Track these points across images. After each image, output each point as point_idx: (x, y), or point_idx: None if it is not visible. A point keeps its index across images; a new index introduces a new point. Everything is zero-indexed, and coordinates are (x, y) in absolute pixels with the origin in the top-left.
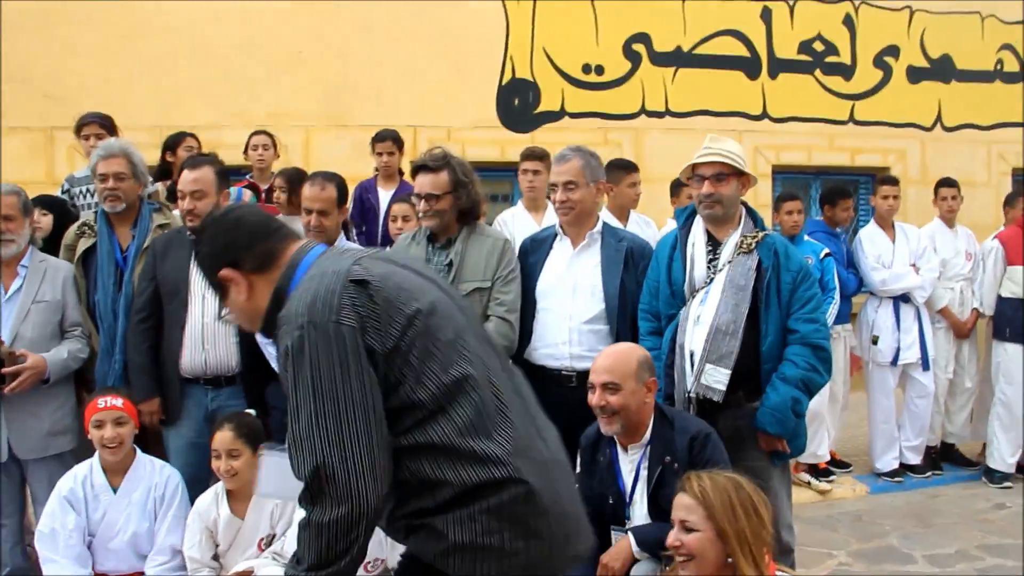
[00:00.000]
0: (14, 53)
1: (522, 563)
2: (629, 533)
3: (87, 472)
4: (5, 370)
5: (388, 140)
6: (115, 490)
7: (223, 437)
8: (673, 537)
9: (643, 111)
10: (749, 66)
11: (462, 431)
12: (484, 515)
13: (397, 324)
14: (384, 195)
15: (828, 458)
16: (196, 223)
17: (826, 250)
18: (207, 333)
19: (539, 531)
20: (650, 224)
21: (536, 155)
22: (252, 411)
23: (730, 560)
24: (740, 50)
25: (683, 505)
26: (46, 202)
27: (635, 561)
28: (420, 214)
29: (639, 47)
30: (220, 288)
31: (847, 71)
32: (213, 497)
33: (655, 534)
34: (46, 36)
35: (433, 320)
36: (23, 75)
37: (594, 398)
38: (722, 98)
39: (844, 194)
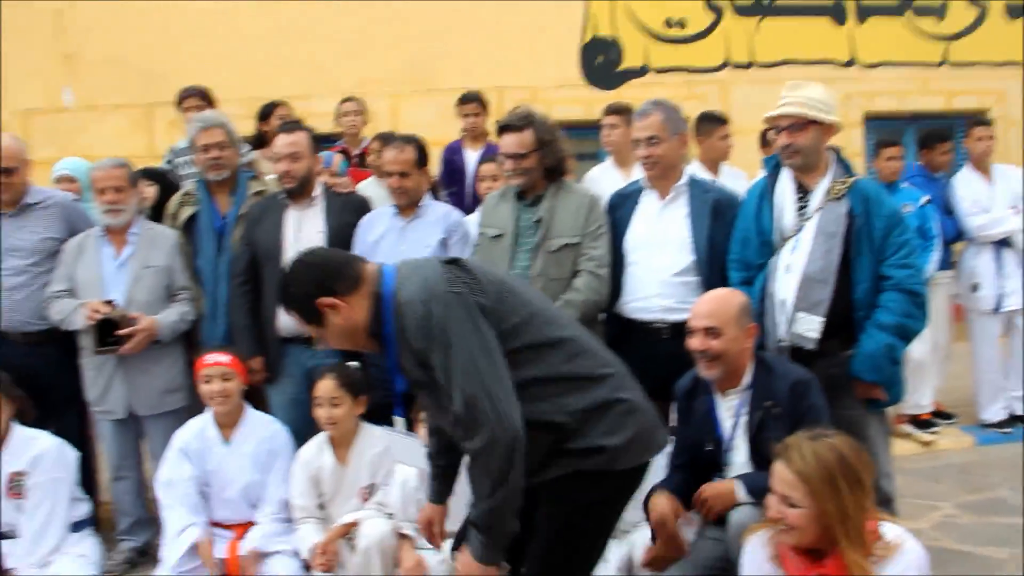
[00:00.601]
0: (114, 35)
1: (654, 445)
2: (738, 480)
3: (201, 426)
4: (120, 331)
5: (473, 102)
6: (227, 443)
7: (325, 386)
8: (775, 510)
9: (728, 63)
10: (835, 12)
11: (572, 358)
12: (622, 416)
13: (493, 286)
14: (471, 156)
15: (931, 409)
16: (292, 184)
17: (926, 197)
18: None
19: (648, 420)
20: (741, 176)
21: (615, 110)
22: (355, 362)
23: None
24: None
25: (784, 480)
26: (151, 174)
27: (736, 505)
28: (507, 173)
29: None
30: (316, 318)
31: (939, 11)
32: (317, 446)
33: (761, 483)
34: (142, 18)
35: (515, 280)
36: (123, 56)
37: (695, 342)
38: (808, 46)
39: (942, 137)
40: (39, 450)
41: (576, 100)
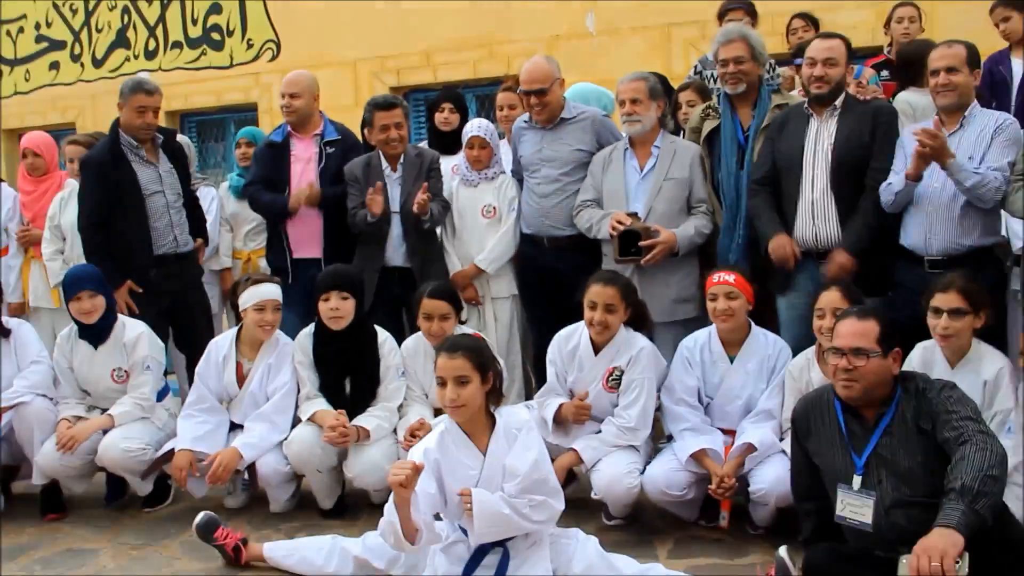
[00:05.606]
0: None
1: None
2: None
3: (706, 339)
4: (642, 243)
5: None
6: (731, 361)
7: (829, 298)
8: None
9: None
10: None
11: None
12: None
13: None
14: (1017, 66)
15: None
16: (823, 90)
17: None
18: (817, 209)
19: None
20: None
21: None
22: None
23: None
24: None
25: None
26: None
27: None
28: None
29: None
30: None
31: None
32: (806, 362)
33: None
34: None
35: None
36: None
37: None
38: None
39: None
40: (637, 349)
41: None
